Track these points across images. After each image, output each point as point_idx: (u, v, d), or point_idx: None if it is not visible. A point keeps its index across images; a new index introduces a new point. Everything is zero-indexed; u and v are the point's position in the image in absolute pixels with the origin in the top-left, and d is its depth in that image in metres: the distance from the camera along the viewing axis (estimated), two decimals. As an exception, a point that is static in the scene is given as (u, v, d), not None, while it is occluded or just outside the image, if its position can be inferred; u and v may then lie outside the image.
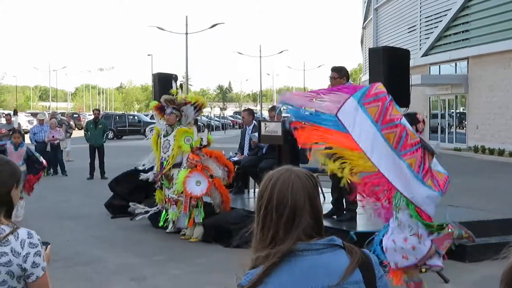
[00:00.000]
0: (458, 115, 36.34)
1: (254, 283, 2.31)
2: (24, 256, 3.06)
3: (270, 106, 16.92)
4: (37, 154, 12.23)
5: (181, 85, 12.39)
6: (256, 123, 13.51)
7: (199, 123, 11.62)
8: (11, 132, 17.48)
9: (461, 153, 31.32)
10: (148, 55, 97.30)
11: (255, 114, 14.80)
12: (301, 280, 2.32)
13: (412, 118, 7.40)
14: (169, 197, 11.29)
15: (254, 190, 13.00)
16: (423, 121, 7.52)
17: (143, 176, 11.94)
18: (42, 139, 21.94)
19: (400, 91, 9.09)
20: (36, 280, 3.11)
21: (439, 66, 37.68)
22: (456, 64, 36.09)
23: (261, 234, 2.41)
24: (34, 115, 62.39)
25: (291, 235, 2.35)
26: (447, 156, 30.54)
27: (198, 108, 11.81)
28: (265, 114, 55.56)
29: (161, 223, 11.50)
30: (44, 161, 11.94)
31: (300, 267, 2.34)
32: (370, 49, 9.94)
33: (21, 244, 3.07)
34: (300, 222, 2.37)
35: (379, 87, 6.39)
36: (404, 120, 6.41)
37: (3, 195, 3.17)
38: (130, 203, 12.30)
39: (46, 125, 22.77)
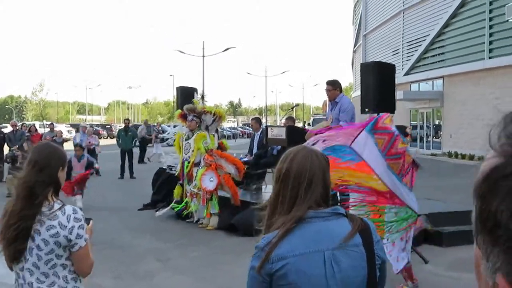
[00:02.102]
0: (434, 126, 36.28)
1: (271, 245, 2.32)
2: (69, 228, 3.07)
3: (282, 117, 17.10)
4: (93, 160, 12.89)
5: (202, 96, 12.44)
6: (263, 129, 13.56)
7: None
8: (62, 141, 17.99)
9: (437, 158, 31.25)
10: (170, 75, 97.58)
11: (261, 122, 14.77)
12: (309, 243, 2.33)
13: (403, 131, 7.42)
14: (191, 191, 11.29)
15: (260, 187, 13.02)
16: (410, 134, 7.54)
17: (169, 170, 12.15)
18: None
19: (387, 99, 9.12)
20: (79, 249, 3.11)
21: (419, 83, 37.64)
22: (433, 82, 36.04)
23: (280, 200, 2.42)
24: (73, 126, 62.74)
25: (307, 200, 2.37)
26: (425, 161, 30.49)
27: (217, 118, 11.78)
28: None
29: (184, 214, 11.50)
30: (97, 165, 12.79)
31: (308, 232, 2.34)
32: (362, 64, 9.93)
33: (67, 219, 3.07)
34: (315, 190, 2.39)
35: (386, 121, 6.43)
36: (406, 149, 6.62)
37: (52, 176, 3.18)
38: (156, 213, 12.25)
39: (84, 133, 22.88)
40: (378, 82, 8.96)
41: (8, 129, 25.26)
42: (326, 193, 2.46)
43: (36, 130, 22.63)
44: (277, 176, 2.46)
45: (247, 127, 75.30)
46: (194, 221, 11.42)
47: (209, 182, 10.90)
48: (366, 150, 5.95)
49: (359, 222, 2.44)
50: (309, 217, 2.36)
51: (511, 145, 0.80)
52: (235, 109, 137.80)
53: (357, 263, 2.37)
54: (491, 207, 0.79)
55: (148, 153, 28.18)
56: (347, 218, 2.44)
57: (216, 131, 11.93)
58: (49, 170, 3.17)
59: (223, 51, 53.42)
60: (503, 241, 0.79)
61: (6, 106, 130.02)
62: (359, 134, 6.01)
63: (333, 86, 9.55)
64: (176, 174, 12.01)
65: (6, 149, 19.43)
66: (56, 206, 3.11)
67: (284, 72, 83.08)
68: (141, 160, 27.51)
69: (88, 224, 3.30)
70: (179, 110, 12.11)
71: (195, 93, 12.32)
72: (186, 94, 12.81)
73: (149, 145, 29.42)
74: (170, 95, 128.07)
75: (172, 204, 11.85)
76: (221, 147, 11.74)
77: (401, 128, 7.49)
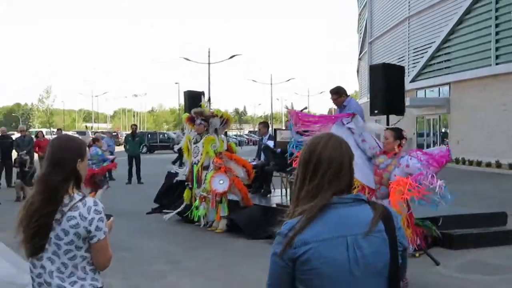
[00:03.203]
0: (441, 133, 36.22)
1: (295, 231, 2.30)
2: (89, 220, 3.05)
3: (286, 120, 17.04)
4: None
5: (209, 99, 12.44)
6: (271, 133, 13.58)
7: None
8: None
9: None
10: (176, 82, 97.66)
11: (269, 126, 14.77)
12: (332, 228, 2.31)
13: (399, 133, 7.42)
14: (200, 194, 11.29)
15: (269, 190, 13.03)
16: (406, 138, 7.54)
17: (179, 177, 12.14)
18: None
19: (396, 101, 9.10)
20: (98, 241, 3.10)
21: (425, 90, 37.64)
22: (439, 89, 36.03)
23: (307, 186, 2.40)
24: (79, 133, 62.94)
25: (333, 187, 2.36)
26: (432, 167, 30.39)
27: (225, 121, 11.76)
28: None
29: (193, 218, 11.50)
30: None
31: (332, 217, 2.33)
32: (371, 66, 9.93)
33: (87, 210, 3.06)
34: (343, 178, 2.39)
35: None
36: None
37: (72, 168, 3.16)
38: (164, 216, 12.27)
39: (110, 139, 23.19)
40: (387, 84, 8.94)
41: (16, 135, 25.32)
42: (351, 181, 2.46)
43: (44, 136, 22.69)
44: (305, 161, 2.44)
45: (253, 135, 75.36)
46: (202, 225, 11.40)
47: (218, 184, 10.90)
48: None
49: (381, 208, 2.43)
50: (333, 203, 2.35)
51: None
52: (240, 117, 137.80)
53: (380, 249, 2.35)
54: None
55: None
56: (369, 205, 2.44)
57: (225, 134, 11.91)
58: (66, 163, 3.14)
59: (228, 59, 53.51)
60: None
61: (13, 114, 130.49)
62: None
63: (338, 94, 9.41)
64: (184, 178, 12.00)
65: (14, 154, 19.47)
66: (77, 197, 3.09)
67: (289, 80, 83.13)
68: (179, 164, 27.55)
69: (108, 219, 3.29)
70: (187, 114, 12.11)
71: (202, 97, 12.32)
72: (193, 98, 12.83)
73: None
74: (176, 103, 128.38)
75: (180, 209, 11.86)
76: (229, 149, 11.73)
77: (397, 130, 7.50)
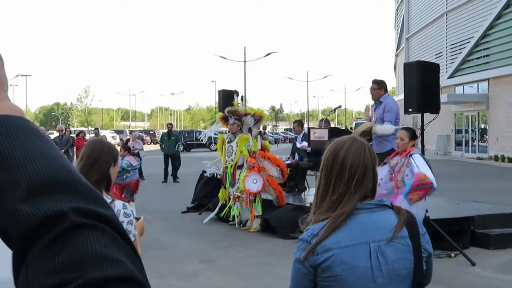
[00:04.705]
0: (480, 130, 35.67)
1: (318, 238, 2.29)
2: None
3: (319, 120, 17.00)
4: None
5: (242, 97, 12.43)
6: (305, 132, 13.54)
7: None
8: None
9: (483, 162, 30.73)
10: (212, 81, 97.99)
11: (303, 125, 14.72)
12: (355, 234, 2.30)
13: (413, 133, 7.42)
14: (233, 194, 11.32)
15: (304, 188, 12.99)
16: (419, 136, 7.56)
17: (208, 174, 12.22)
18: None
19: (431, 99, 8.98)
20: (127, 244, 3.12)
21: (463, 86, 37.09)
22: (478, 85, 35.44)
23: (331, 191, 2.38)
24: (117, 132, 63.74)
25: (358, 194, 2.33)
26: (471, 164, 30.01)
27: (258, 119, 11.74)
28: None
29: (228, 217, 11.55)
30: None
31: (354, 223, 2.32)
32: (405, 64, 9.80)
33: (117, 213, 3.09)
34: (366, 184, 2.36)
35: (423, 177, 6.77)
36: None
37: (104, 172, 3.21)
38: (203, 217, 12.33)
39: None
40: (422, 82, 8.82)
41: (55, 134, 25.77)
42: (374, 186, 2.44)
43: (84, 136, 22.91)
44: (329, 166, 2.42)
45: (289, 132, 75.26)
46: (236, 225, 11.44)
47: (252, 184, 10.91)
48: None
49: (405, 214, 2.40)
50: (356, 209, 2.33)
51: None
52: (276, 114, 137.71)
53: (403, 256, 2.33)
54: None
55: None
56: (393, 210, 2.41)
57: (260, 133, 11.90)
58: (101, 164, 3.20)
59: (264, 56, 53.46)
60: None
61: (53, 113, 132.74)
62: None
63: (379, 86, 9.45)
64: (219, 177, 12.08)
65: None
66: (108, 200, 3.13)
67: (325, 77, 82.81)
68: None
69: (138, 220, 3.33)
70: (221, 113, 12.15)
71: (234, 95, 12.34)
72: (227, 97, 12.86)
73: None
74: (212, 101, 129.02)
75: (217, 210, 11.91)
76: (263, 149, 11.71)
77: (411, 131, 7.48)
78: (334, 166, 2.39)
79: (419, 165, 6.99)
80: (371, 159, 2.43)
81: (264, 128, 27.40)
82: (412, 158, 7.13)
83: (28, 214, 0.70)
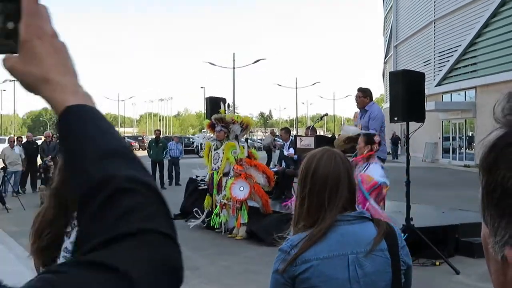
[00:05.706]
0: (467, 138, 35.87)
1: (297, 250, 2.29)
2: None
3: (306, 127, 17.04)
4: None
5: (228, 105, 12.44)
6: (292, 139, 13.56)
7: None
8: None
9: (470, 169, 30.89)
10: (201, 87, 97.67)
11: (291, 132, 14.77)
12: (334, 246, 2.31)
13: (370, 139, 7.44)
14: (220, 201, 11.30)
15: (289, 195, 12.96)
16: (379, 142, 7.53)
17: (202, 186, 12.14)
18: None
19: (416, 108, 9.01)
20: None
21: (451, 94, 37.29)
22: (465, 93, 35.67)
23: (307, 205, 2.38)
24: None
25: (335, 207, 2.33)
26: (458, 172, 30.14)
27: (245, 126, 11.75)
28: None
29: (214, 224, 11.52)
30: None
31: (334, 235, 2.33)
32: (390, 72, 9.85)
33: None
34: (341, 195, 2.36)
35: (368, 180, 6.92)
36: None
37: None
38: (188, 222, 12.27)
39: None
40: (407, 91, 8.86)
41: (41, 140, 25.63)
42: (352, 196, 2.44)
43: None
44: (302, 179, 2.44)
45: (277, 139, 75.22)
46: (223, 233, 11.41)
47: (239, 191, 10.91)
48: None
49: (384, 226, 2.41)
50: (335, 221, 2.34)
51: None
52: (265, 120, 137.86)
53: (382, 268, 2.34)
54: (498, 177, 0.78)
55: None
56: (372, 222, 2.42)
57: (246, 140, 11.91)
58: None
59: (253, 63, 53.58)
60: (511, 210, 0.77)
61: (41, 119, 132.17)
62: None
63: (364, 94, 9.51)
64: (205, 185, 12.01)
65: (39, 160, 19.73)
66: None
67: (314, 84, 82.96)
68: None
69: None
70: (208, 120, 12.15)
71: (221, 103, 12.34)
72: (214, 104, 12.86)
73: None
74: (202, 107, 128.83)
75: (203, 216, 11.86)
76: (250, 156, 11.72)
77: (369, 136, 7.52)
78: (307, 178, 2.41)
79: (372, 173, 7.08)
80: (344, 168, 2.42)
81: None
82: (370, 167, 7.21)
83: (94, 173, 0.89)
